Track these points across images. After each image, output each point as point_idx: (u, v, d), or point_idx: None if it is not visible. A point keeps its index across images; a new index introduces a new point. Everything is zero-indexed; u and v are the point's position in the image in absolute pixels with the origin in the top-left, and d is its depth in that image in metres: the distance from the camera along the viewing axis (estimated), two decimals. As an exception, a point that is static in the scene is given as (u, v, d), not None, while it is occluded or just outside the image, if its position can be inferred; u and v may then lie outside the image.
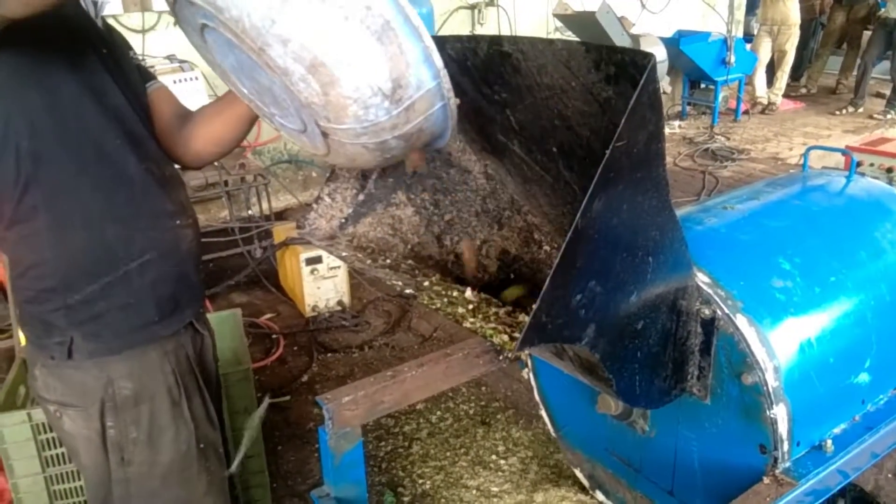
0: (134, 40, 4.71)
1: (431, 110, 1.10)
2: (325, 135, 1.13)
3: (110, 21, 1.52)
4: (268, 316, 3.95)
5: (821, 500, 1.42)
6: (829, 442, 1.46)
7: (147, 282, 1.38)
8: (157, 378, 1.42)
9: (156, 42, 4.78)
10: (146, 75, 1.52)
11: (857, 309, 1.57)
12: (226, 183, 4.32)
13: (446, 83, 1.08)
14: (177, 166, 1.53)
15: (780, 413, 1.39)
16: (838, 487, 1.47)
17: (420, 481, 2.62)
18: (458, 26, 6.39)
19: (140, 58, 1.54)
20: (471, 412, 3.06)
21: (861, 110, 7.88)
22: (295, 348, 3.65)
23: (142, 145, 1.39)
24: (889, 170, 4.65)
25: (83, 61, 1.30)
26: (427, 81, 1.05)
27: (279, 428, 2.98)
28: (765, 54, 7.88)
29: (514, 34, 6.84)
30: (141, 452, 1.43)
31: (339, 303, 3.97)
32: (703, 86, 7.88)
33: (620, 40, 5.98)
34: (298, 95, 1.04)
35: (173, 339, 1.45)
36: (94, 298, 1.34)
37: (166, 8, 4.74)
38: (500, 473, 2.62)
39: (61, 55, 1.27)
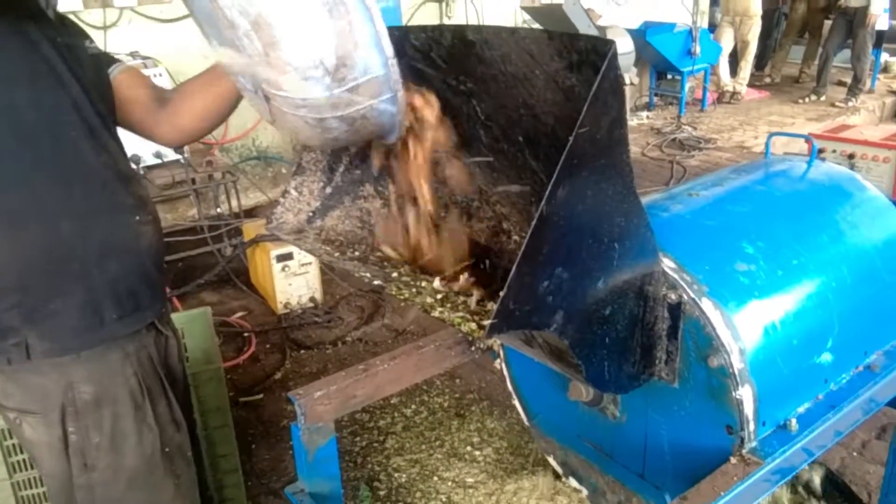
0: (95, 37, 4.60)
1: (378, 100, 1.08)
2: (267, 98, 1.11)
3: (70, 17, 1.49)
4: (239, 314, 3.92)
5: (786, 478, 1.45)
6: (794, 421, 1.48)
7: (106, 279, 1.35)
8: (118, 381, 1.39)
9: (118, 39, 4.70)
10: (108, 60, 1.49)
11: (819, 291, 1.61)
12: (193, 181, 4.27)
13: (395, 74, 1.07)
14: (140, 162, 1.51)
15: (745, 394, 1.41)
16: (803, 465, 1.50)
17: (396, 475, 2.63)
18: (426, 19, 6.37)
19: (97, 47, 1.51)
20: (445, 405, 3.07)
21: (823, 98, 8.05)
22: (267, 346, 3.63)
23: (99, 138, 1.36)
24: (850, 156, 4.75)
25: (37, 50, 1.27)
26: (375, 68, 1.04)
27: (252, 426, 2.96)
28: (728, 44, 8.00)
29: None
30: (104, 458, 1.40)
31: (312, 299, 3.94)
32: (669, 76, 7.98)
33: (587, 32, 6.01)
34: (243, 51, 1.02)
35: (135, 340, 1.42)
36: (51, 296, 1.31)
37: (128, 4, 4.64)
38: (475, 464, 2.63)
39: (13, 44, 1.24)
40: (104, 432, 1.39)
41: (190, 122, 1.50)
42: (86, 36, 1.48)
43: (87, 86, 1.36)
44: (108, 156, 1.38)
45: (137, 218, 1.42)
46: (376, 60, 1.03)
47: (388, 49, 1.04)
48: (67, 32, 1.40)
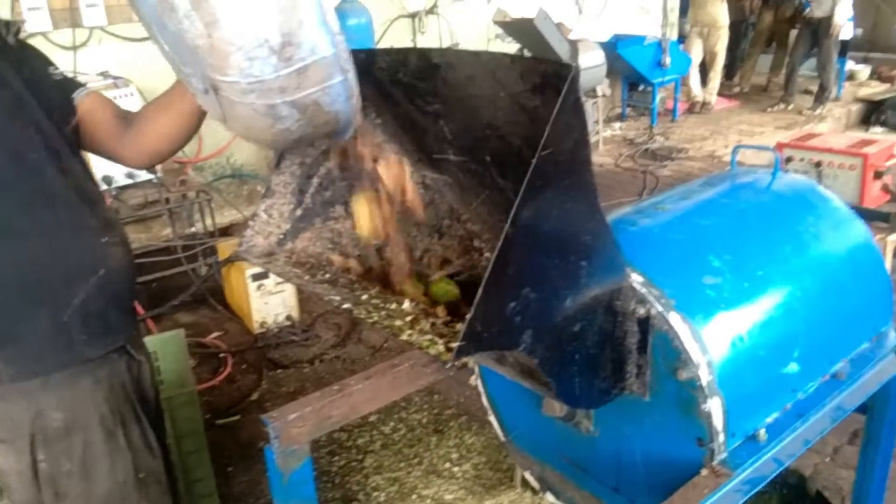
0: (65, 57, 4.58)
1: (329, 83, 1.06)
2: (215, 89, 1.08)
3: (38, 38, 1.50)
4: (215, 335, 3.88)
5: (757, 488, 1.47)
6: (763, 431, 1.51)
7: (73, 301, 1.34)
8: (88, 408, 1.38)
9: (88, 59, 4.66)
10: (73, 85, 1.49)
11: (784, 302, 1.64)
12: (167, 200, 4.24)
13: (345, 54, 1.05)
14: (106, 182, 1.51)
15: (714, 406, 1.43)
16: (773, 475, 1.52)
17: (374, 493, 2.62)
18: (399, 35, 6.41)
19: (62, 72, 1.50)
20: (424, 421, 3.07)
21: (791, 107, 8.20)
22: (244, 366, 3.60)
23: (62, 160, 1.36)
24: (818, 164, 4.85)
25: None
26: (323, 47, 1.02)
27: (229, 448, 2.93)
28: (696, 55, 8.13)
29: (454, 42, 6.91)
30: (75, 485, 1.39)
31: (288, 317, 3.93)
32: (641, 88, 8.08)
33: (559, 46, 6.09)
34: (185, 37, 1.00)
35: (105, 365, 1.41)
36: (17, 319, 1.30)
37: (98, 24, 4.63)
38: (454, 481, 2.63)
39: None
40: (75, 460, 1.38)
41: (154, 144, 1.50)
42: (49, 62, 1.48)
43: (51, 111, 1.36)
44: (72, 179, 1.37)
45: (104, 240, 1.41)
46: (323, 39, 1.01)
47: (336, 26, 1.02)
48: (29, 59, 1.39)
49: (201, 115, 1.47)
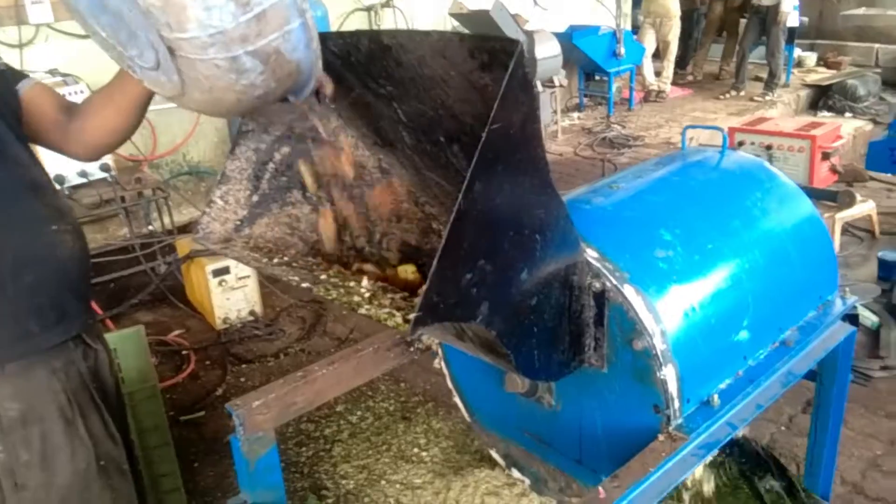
0: (11, 55, 4.46)
1: (288, 27, 1.05)
2: (172, 53, 1.06)
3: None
4: (176, 332, 3.83)
5: (711, 452, 1.52)
6: (716, 397, 1.56)
7: (23, 289, 1.33)
8: (45, 397, 1.37)
9: (35, 57, 4.55)
10: (17, 76, 1.47)
11: (733, 273, 1.69)
12: (122, 199, 4.17)
13: None
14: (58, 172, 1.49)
15: (669, 374, 1.48)
16: (727, 439, 1.57)
17: (343, 482, 2.62)
18: (355, 28, 6.37)
19: (5, 64, 1.49)
20: (391, 409, 3.08)
21: (743, 94, 8.40)
22: (207, 363, 3.56)
23: (6, 148, 1.35)
24: (768, 147, 4.98)
25: None
26: None
27: (195, 444, 2.91)
28: (650, 45, 8.27)
29: (410, 34, 6.84)
30: (35, 476, 1.37)
31: (251, 312, 3.90)
32: (597, 77, 8.19)
33: (515, 37, 6.12)
34: (136, 3, 0.98)
35: (62, 355, 1.40)
36: None
37: (44, 21, 4.51)
38: (422, 465, 2.65)
39: None
40: (34, 450, 1.37)
41: (97, 136, 1.49)
42: None
43: None
44: (17, 167, 1.36)
45: (54, 227, 1.40)
46: None
47: None
48: None
49: (144, 105, 1.47)
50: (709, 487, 2.10)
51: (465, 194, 1.06)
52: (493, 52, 1.15)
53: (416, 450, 2.76)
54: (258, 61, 1.07)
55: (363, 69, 1.42)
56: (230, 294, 3.79)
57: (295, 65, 1.14)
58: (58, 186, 3.92)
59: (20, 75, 1.49)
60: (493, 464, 2.32)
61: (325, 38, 1.43)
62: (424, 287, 1.03)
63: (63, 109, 1.51)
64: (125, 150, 4.92)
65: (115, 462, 1.50)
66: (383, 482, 2.58)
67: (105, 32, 1.16)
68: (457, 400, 2.18)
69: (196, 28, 1.01)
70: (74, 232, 1.46)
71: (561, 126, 7.40)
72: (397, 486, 2.55)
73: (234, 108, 1.24)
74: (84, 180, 4.08)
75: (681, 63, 9.55)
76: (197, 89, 1.14)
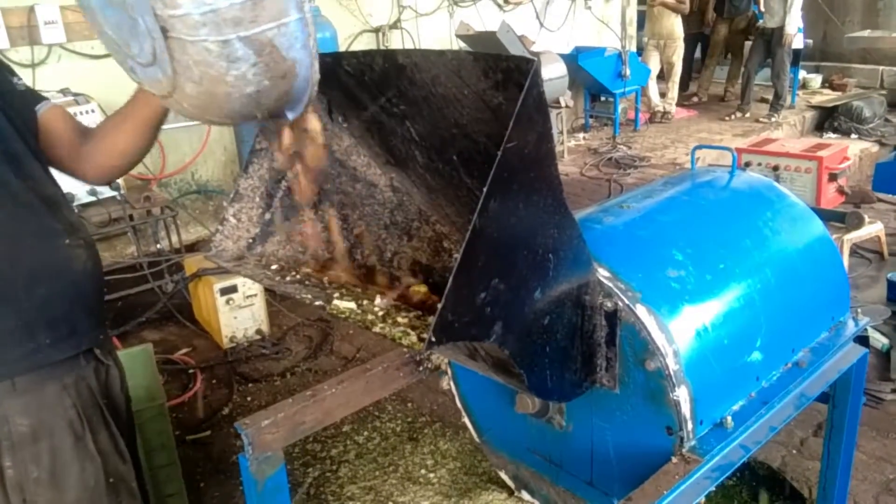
0: (23, 74, 4.49)
1: (285, 19, 1.04)
2: (165, 34, 1.05)
3: (-3, 56, 1.51)
4: (183, 351, 3.83)
5: (725, 475, 1.50)
6: (730, 419, 1.54)
7: (36, 303, 1.34)
8: (56, 412, 1.37)
9: (47, 76, 4.60)
10: (36, 98, 1.49)
11: (745, 293, 1.68)
12: (131, 217, 4.19)
13: None
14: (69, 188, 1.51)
15: (682, 395, 1.47)
16: (741, 461, 1.56)
17: (350, 503, 2.60)
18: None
19: (24, 84, 1.52)
20: (398, 429, 3.06)
21: (748, 115, 8.42)
22: (214, 382, 3.55)
23: (22, 164, 1.36)
24: (775, 168, 4.99)
25: None
26: None
27: (201, 464, 2.89)
28: (655, 67, 8.32)
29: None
30: (44, 493, 1.37)
31: (258, 331, 3.89)
32: (603, 98, 8.23)
33: (521, 58, 6.17)
34: None
35: (73, 370, 1.40)
36: None
37: (56, 41, 4.56)
38: (429, 487, 2.63)
39: None
40: (43, 466, 1.36)
41: (108, 159, 1.53)
42: (12, 72, 1.49)
43: (13, 117, 1.36)
44: (32, 181, 1.38)
45: (67, 241, 1.41)
46: None
47: None
48: None
49: (155, 127, 1.50)
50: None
51: (480, 213, 1.06)
52: (507, 70, 1.16)
53: (423, 471, 2.74)
54: (251, 51, 1.06)
55: (377, 88, 1.43)
56: (237, 312, 3.79)
57: (291, 65, 1.12)
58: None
59: (39, 97, 1.52)
60: (502, 486, 2.30)
61: (339, 57, 1.45)
62: (439, 306, 1.03)
63: (78, 133, 1.54)
64: (134, 169, 4.96)
65: (123, 480, 1.49)
66: (390, 503, 2.55)
67: (110, 30, 1.17)
68: (466, 420, 2.16)
69: (189, 4, 1.00)
70: (88, 247, 1.47)
71: (567, 146, 7.43)
72: (404, 507, 2.53)
73: (226, 106, 1.18)
74: (93, 198, 4.11)
75: (682, 85, 9.60)
76: (189, 80, 1.12)
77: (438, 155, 1.48)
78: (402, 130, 1.49)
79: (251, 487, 1.74)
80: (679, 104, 8.83)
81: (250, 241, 1.58)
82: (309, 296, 1.35)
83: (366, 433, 3.03)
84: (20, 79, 1.51)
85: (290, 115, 1.30)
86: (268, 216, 1.61)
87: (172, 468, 2.30)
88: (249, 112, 1.18)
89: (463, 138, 1.37)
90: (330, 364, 3.67)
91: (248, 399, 3.38)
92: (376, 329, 1.18)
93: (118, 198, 4.13)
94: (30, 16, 4.47)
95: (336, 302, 1.29)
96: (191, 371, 3.59)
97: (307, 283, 1.45)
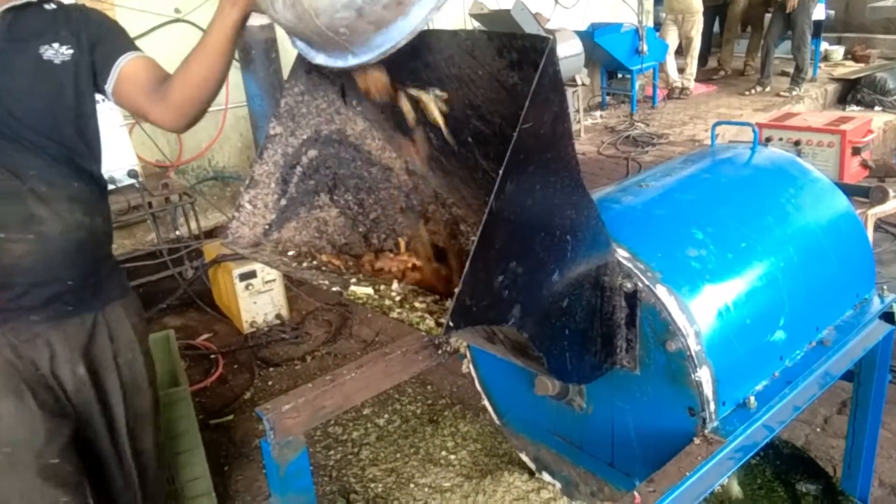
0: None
1: None
2: None
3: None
4: (204, 336, 3.87)
5: (749, 455, 1.49)
6: (753, 399, 1.52)
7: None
8: None
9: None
10: (124, 46, 1.71)
11: (768, 271, 1.66)
12: (150, 205, 4.21)
13: None
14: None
15: (704, 375, 1.45)
16: (765, 441, 1.54)
17: (372, 485, 2.62)
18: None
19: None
20: (418, 412, 3.07)
21: (768, 89, 8.27)
22: (235, 366, 3.59)
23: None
24: (797, 143, 4.90)
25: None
26: None
27: (224, 448, 2.92)
28: (672, 42, 8.19)
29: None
30: None
31: (278, 316, 3.92)
32: (619, 76, 8.12)
33: (536, 36, 6.10)
34: None
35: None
36: None
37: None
38: (450, 468, 2.64)
39: None
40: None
41: (178, 95, 1.62)
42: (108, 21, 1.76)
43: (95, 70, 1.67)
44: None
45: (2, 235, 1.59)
46: None
47: None
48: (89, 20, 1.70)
49: (229, 50, 1.58)
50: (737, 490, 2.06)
51: (496, 195, 1.05)
52: (522, 50, 1.14)
53: (444, 453, 2.75)
54: None
55: (392, 71, 1.41)
56: (257, 298, 3.81)
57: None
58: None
59: (127, 45, 1.70)
60: (523, 467, 2.30)
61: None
62: (457, 290, 1.02)
63: (158, 80, 1.67)
64: (152, 156, 4.98)
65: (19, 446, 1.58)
66: (412, 485, 2.57)
67: None
68: (486, 403, 2.16)
69: None
70: (25, 243, 1.57)
71: (584, 125, 7.35)
72: (426, 489, 2.54)
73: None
74: (112, 187, 4.13)
75: (701, 60, 9.44)
76: None
77: (453, 136, 1.46)
78: (416, 113, 1.47)
79: (273, 472, 1.75)
80: (697, 80, 8.69)
81: (266, 227, 1.58)
82: (326, 282, 1.35)
83: (386, 416, 3.05)
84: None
85: (337, 64, 1.28)
86: (283, 202, 1.60)
87: (196, 452, 2.32)
88: (345, 19, 1.13)
89: (478, 120, 1.35)
90: (349, 347, 3.69)
91: (270, 383, 3.41)
92: (394, 314, 1.17)
93: (136, 185, 4.16)
94: (44, 5, 4.48)
95: (353, 288, 1.28)
96: (212, 356, 3.63)
97: (324, 268, 1.45)
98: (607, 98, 8.36)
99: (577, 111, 7.11)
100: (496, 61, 1.19)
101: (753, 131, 2.07)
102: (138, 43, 1.73)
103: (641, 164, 6.16)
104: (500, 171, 1.04)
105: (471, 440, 2.81)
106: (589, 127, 7.52)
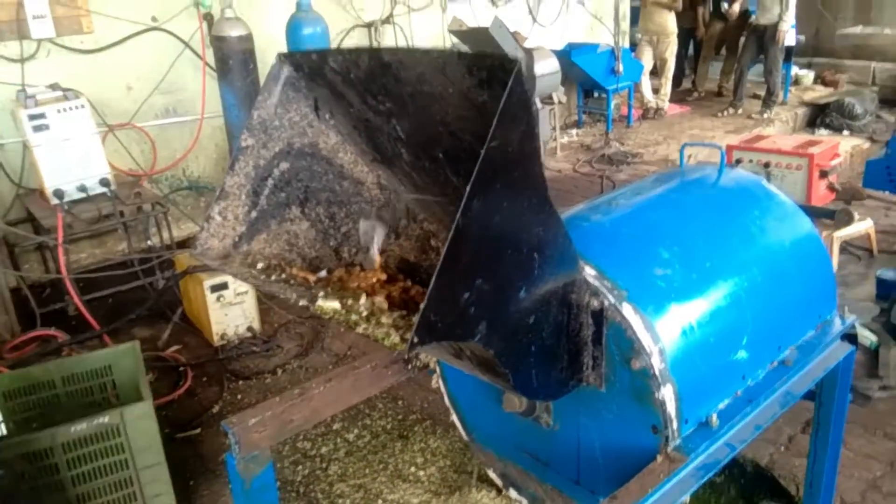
0: (12, 70, 4.48)
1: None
2: None
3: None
4: (174, 348, 3.81)
5: (711, 473, 1.50)
6: (715, 417, 1.55)
7: None
8: None
9: (36, 71, 4.56)
10: None
11: (732, 291, 1.69)
12: (121, 213, 4.16)
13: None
14: None
15: (667, 394, 1.47)
16: (727, 459, 1.56)
17: (339, 501, 2.60)
18: (356, 45, 6.41)
19: None
20: (388, 427, 3.06)
21: (741, 111, 8.43)
22: (204, 379, 3.54)
23: None
24: (766, 165, 5.00)
25: None
26: None
27: (190, 462, 2.88)
28: (647, 62, 8.32)
29: (410, 51, 6.94)
30: None
31: (249, 328, 3.88)
32: (596, 95, 8.23)
33: (514, 54, 6.15)
34: None
35: None
36: None
37: (45, 36, 4.51)
38: (419, 484, 2.63)
39: None
40: None
41: None
42: None
43: None
44: None
45: None
46: None
47: None
48: None
49: None
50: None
51: (463, 212, 1.06)
52: (491, 69, 1.15)
53: (413, 469, 2.74)
54: None
55: (363, 86, 1.42)
56: (228, 310, 3.78)
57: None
58: (56, 201, 3.94)
59: None
60: (490, 484, 2.30)
61: (325, 54, 1.44)
62: (422, 306, 1.02)
63: None
64: (124, 164, 4.93)
65: None
66: (380, 502, 2.56)
67: None
68: (454, 418, 2.16)
69: None
70: None
71: (560, 143, 7.42)
72: (394, 505, 2.53)
73: None
74: (83, 195, 4.07)
75: (675, 81, 9.59)
76: None
77: (424, 152, 1.47)
78: (388, 128, 1.48)
79: (238, 487, 1.73)
80: (672, 100, 8.83)
81: (236, 239, 1.57)
82: (294, 295, 1.35)
83: (356, 431, 3.03)
84: None
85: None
86: (254, 214, 1.60)
87: (159, 468, 2.29)
88: None
89: (449, 136, 1.36)
90: (321, 361, 3.67)
91: (239, 396, 3.37)
92: (360, 329, 1.18)
93: (108, 194, 4.11)
94: (18, 10, 4.43)
95: (320, 302, 1.28)
96: (181, 368, 3.58)
97: (292, 282, 1.45)
98: (584, 116, 8.46)
99: (554, 129, 7.18)
100: (466, 79, 1.21)
101: (721, 153, 2.11)
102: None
103: (616, 182, 6.23)
104: (468, 188, 1.05)
105: (440, 456, 2.80)
106: (565, 144, 7.60)
